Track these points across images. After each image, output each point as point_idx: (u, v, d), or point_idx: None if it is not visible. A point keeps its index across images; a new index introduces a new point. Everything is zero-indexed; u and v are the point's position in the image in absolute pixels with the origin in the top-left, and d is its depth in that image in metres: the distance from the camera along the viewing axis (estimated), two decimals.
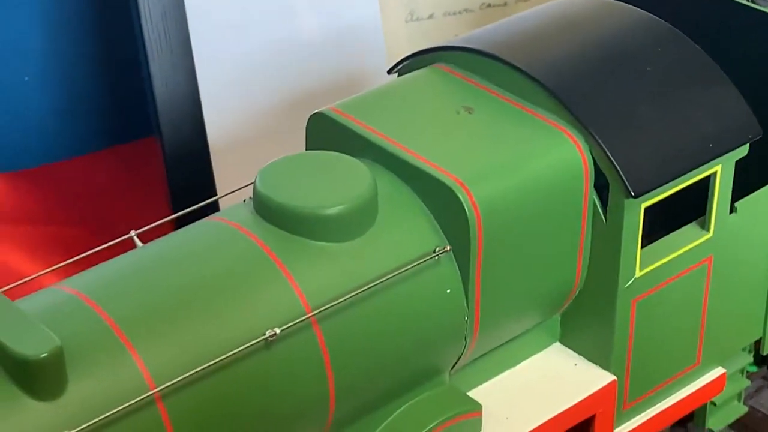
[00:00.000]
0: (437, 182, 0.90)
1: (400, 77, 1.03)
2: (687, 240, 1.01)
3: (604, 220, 0.96)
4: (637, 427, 1.04)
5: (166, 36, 1.31)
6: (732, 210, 1.02)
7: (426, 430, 0.92)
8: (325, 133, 0.96)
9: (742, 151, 1.00)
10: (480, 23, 1.42)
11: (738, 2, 1.12)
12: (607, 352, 1.00)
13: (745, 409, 1.15)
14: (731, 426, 1.16)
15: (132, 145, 1.57)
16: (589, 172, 0.95)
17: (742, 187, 1.02)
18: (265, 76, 1.35)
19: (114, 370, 0.79)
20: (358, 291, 0.86)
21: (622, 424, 1.03)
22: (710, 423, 1.13)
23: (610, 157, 0.94)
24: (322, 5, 1.36)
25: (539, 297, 0.97)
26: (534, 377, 1.00)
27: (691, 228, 1.02)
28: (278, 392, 0.85)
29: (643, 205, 0.96)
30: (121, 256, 0.88)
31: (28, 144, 1.55)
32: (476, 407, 0.95)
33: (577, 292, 0.99)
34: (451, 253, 0.91)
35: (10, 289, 0.85)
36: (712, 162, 0.98)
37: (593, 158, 0.95)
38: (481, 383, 0.99)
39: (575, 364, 1.02)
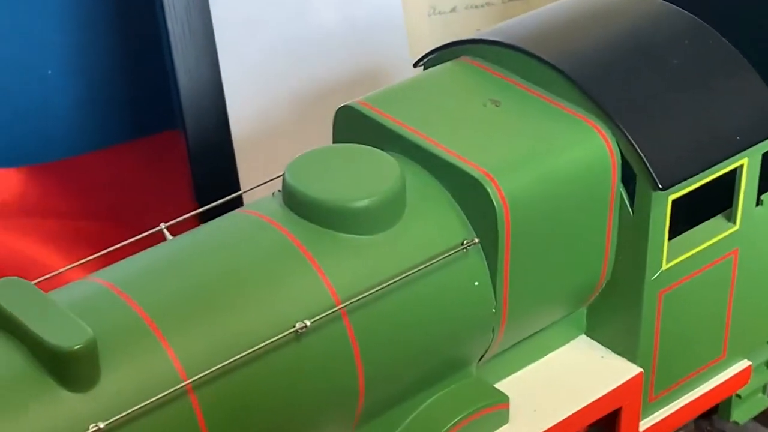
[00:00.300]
0: (465, 174, 0.91)
1: (427, 70, 1.03)
2: (713, 232, 1.01)
3: (631, 212, 0.97)
4: (663, 419, 1.05)
5: (189, 29, 1.31)
6: (758, 203, 1.03)
7: (453, 422, 0.93)
8: (353, 126, 0.97)
9: None
10: (502, 17, 1.42)
11: None
12: (633, 344, 1.00)
13: None
14: (756, 419, 1.16)
15: (154, 138, 1.57)
16: (616, 164, 0.95)
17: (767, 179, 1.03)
18: (287, 69, 1.36)
19: (146, 362, 0.80)
20: (387, 283, 0.87)
21: (648, 416, 1.04)
22: (735, 415, 1.13)
23: (638, 149, 0.94)
24: (346, 1, 1.36)
25: (566, 289, 0.98)
26: (560, 370, 1.01)
27: (717, 220, 1.02)
28: (308, 384, 0.85)
29: (671, 198, 0.96)
30: (151, 249, 0.88)
31: (52, 137, 1.55)
32: (503, 399, 0.95)
33: (603, 285, 1.00)
34: (479, 245, 0.91)
35: (39, 282, 0.85)
36: (739, 154, 0.98)
37: (620, 150, 0.95)
38: (507, 375, 1.00)
39: (602, 357, 1.02)
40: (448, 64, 1.02)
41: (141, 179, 1.52)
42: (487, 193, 0.89)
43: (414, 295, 0.89)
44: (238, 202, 0.99)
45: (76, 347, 0.77)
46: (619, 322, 1.01)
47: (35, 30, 1.51)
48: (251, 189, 0.97)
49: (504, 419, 0.95)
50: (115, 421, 0.77)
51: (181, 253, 0.87)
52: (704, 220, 1.02)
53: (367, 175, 0.90)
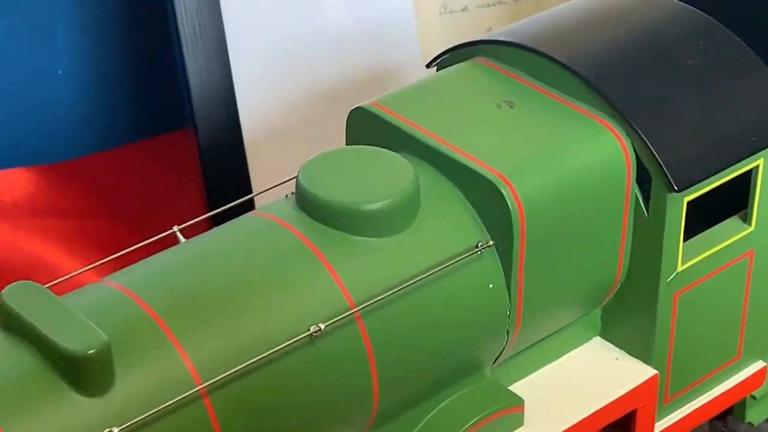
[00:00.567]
0: (479, 176, 0.90)
1: (440, 71, 1.03)
2: (729, 234, 1.01)
3: (646, 214, 0.96)
4: (678, 421, 1.04)
5: (201, 30, 1.31)
6: None
7: (468, 425, 0.92)
8: (366, 127, 0.97)
9: None
10: (514, 16, 1.42)
11: None
12: (648, 346, 1.00)
13: None
14: None
15: (165, 138, 1.57)
16: (631, 165, 0.95)
17: None
18: (298, 69, 1.35)
19: (160, 366, 0.80)
20: (401, 286, 0.87)
21: (664, 417, 1.04)
22: (750, 416, 1.13)
23: (653, 150, 0.94)
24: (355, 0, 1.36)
25: (581, 291, 0.97)
26: (575, 371, 1.01)
27: (732, 222, 1.02)
28: (322, 387, 0.85)
29: (686, 199, 0.96)
30: (164, 252, 0.88)
31: (62, 137, 1.55)
32: (518, 402, 0.95)
33: (618, 286, 0.99)
34: (494, 247, 0.91)
35: (52, 285, 0.85)
36: (754, 155, 0.98)
37: (635, 152, 0.95)
38: (522, 378, 0.99)
39: (616, 359, 1.02)
40: (462, 64, 1.02)
41: (151, 179, 1.52)
42: (502, 196, 0.89)
43: (428, 298, 0.89)
44: (249, 204, 0.99)
45: (91, 352, 0.76)
46: (634, 323, 1.01)
47: (45, 30, 1.51)
48: (264, 191, 0.97)
49: (519, 422, 0.95)
50: (129, 425, 0.77)
51: (195, 256, 0.87)
52: (719, 221, 1.01)
53: (380, 177, 0.90)
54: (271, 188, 0.97)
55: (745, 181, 1.00)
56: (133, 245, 0.92)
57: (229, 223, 0.90)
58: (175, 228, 0.91)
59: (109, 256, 0.91)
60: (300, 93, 1.35)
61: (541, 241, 0.92)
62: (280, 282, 0.85)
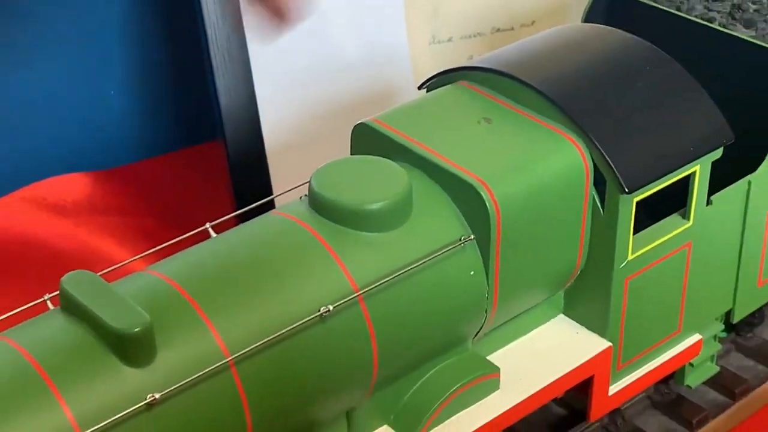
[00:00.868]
0: (462, 181, 0.89)
1: (429, 93, 1.02)
2: (671, 228, 0.99)
3: (601, 212, 0.95)
4: (628, 385, 1.03)
5: (229, 56, 1.30)
6: (708, 202, 1.01)
7: (453, 389, 0.91)
8: (368, 140, 0.95)
9: (717, 153, 0.99)
10: (491, 45, 1.41)
11: (713, 27, 1.10)
12: (603, 322, 0.99)
13: (718, 369, 1.14)
14: (705, 383, 1.14)
15: (200, 148, 1.57)
16: (589, 171, 0.94)
17: (716, 183, 1.01)
18: (311, 90, 1.35)
19: (194, 342, 0.79)
20: (397, 273, 0.86)
21: (616, 382, 1.02)
22: (688, 380, 1.12)
23: (607, 159, 0.93)
24: (359, 31, 1.35)
25: (547, 277, 0.96)
26: (542, 344, 0.99)
27: (674, 218, 1.00)
28: (331, 359, 0.84)
29: (635, 200, 0.95)
30: (197, 245, 0.87)
31: (114, 147, 1.55)
32: (495, 370, 0.94)
33: (578, 273, 0.98)
34: (474, 241, 0.90)
35: (105, 273, 0.84)
36: (692, 163, 0.97)
37: (593, 160, 0.94)
38: (498, 349, 0.98)
39: (577, 333, 1.00)
40: (448, 87, 1.00)
41: (188, 182, 1.52)
42: (482, 198, 0.88)
43: (420, 283, 0.87)
44: (270, 204, 0.98)
45: (136, 330, 0.76)
46: (592, 303, 0.99)
47: (100, 58, 1.51)
48: (282, 193, 0.96)
49: (495, 386, 0.94)
50: (168, 392, 0.76)
51: (223, 248, 0.86)
52: (663, 218, 1.00)
53: (379, 182, 0.88)
54: (289, 191, 0.95)
55: (685, 184, 0.99)
56: (174, 238, 0.91)
57: (252, 220, 0.89)
58: (208, 225, 0.90)
59: (153, 248, 0.91)
60: (313, 110, 1.35)
61: (514, 236, 0.91)
62: (295, 270, 0.84)
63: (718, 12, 1.13)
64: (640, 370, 1.04)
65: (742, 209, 1.04)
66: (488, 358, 0.96)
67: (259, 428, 0.81)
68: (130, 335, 0.75)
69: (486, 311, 0.92)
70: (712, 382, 1.15)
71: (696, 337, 1.07)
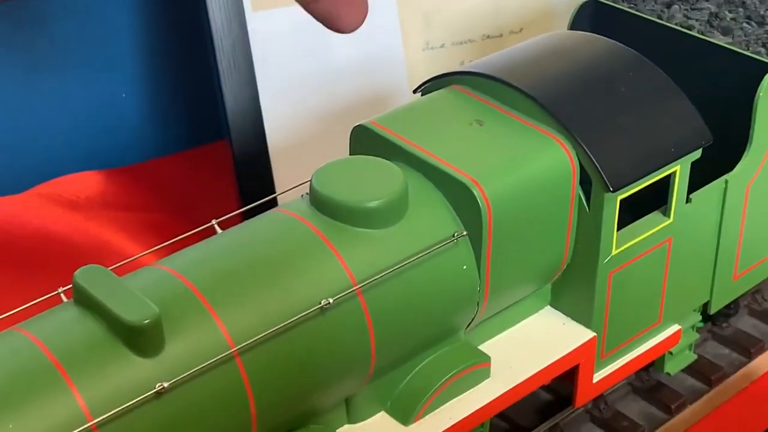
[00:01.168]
0: (455, 180, 0.88)
1: (424, 96, 1.00)
2: (653, 225, 0.98)
3: (587, 209, 0.94)
4: (612, 372, 1.02)
5: (235, 63, 1.29)
6: (688, 200, 1.00)
7: (446, 377, 0.90)
8: (366, 141, 0.94)
9: (697, 154, 0.97)
10: (481, 51, 1.40)
11: (692, 35, 1.09)
12: (588, 313, 0.97)
13: (695, 356, 1.13)
14: (683, 370, 1.13)
15: (207, 147, 1.56)
16: (576, 171, 0.92)
17: (695, 182, 1.00)
18: (313, 94, 1.33)
19: (201, 333, 0.77)
20: (394, 268, 0.84)
21: (600, 370, 1.01)
22: (667, 368, 1.11)
23: (593, 159, 0.92)
24: (356, 38, 1.34)
25: (535, 270, 0.95)
26: (531, 334, 0.98)
27: (655, 215, 0.99)
28: (331, 349, 0.82)
29: (619, 198, 0.93)
30: (204, 241, 0.85)
31: (126, 146, 1.54)
32: (486, 359, 0.92)
33: (565, 267, 0.97)
34: (467, 237, 0.88)
35: (117, 267, 0.82)
36: (673, 163, 0.96)
37: (579, 160, 0.92)
38: (489, 339, 0.97)
39: (563, 324, 0.99)
40: (441, 91, 0.99)
41: (196, 180, 1.50)
42: (474, 196, 0.87)
43: (415, 277, 0.86)
44: (273, 202, 0.96)
45: (145, 322, 0.74)
46: (578, 296, 0.98)
47: (113, 63, 1.50)
48: (285, 191, 0.95)
49: (486, 374, 0.93)
50: (176, 381, 0.74)
51: (229, 244, 0.84)
52: (645, 215, 0.99)
53: (377, 181, 0.87)
54: (291, 189, 0.94)
55: (665, 183, 0.97)
56: (182, 234, 0.89)
57: (256, 217, 0.88)
58: (214, 221, 0.89)
59: (163, 242, 0.89)
60: (313, 113, 1.33)
61: (504, 232, 0.89)
62: (297, 265, 0.82)
63: (697, 20, 1.11)
64: (623, 358, 1.03)
65: (719, 207, 1.03)
66: (480, 347, 0.95)
67: (262, 415, 0.79)
68: (139, 327, 0.74)
69: (478, 303, 0.91)
70: (690, 370, 1.14)
71: (675, 328, 1.06)
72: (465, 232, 0.88)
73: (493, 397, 0.92)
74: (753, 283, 1.13)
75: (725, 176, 1.02)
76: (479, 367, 0.92)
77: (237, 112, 1.31)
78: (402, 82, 1.37)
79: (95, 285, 0.77)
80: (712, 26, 1.11)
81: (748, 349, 1.17)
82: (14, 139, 1.48)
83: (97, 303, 0.76)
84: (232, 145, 1.31)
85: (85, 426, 0.71)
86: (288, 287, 0.81)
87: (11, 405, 0.71)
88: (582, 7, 1.15)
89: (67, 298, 0.80)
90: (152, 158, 1.54)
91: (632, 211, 0.99)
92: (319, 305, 0.80)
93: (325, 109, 1.34)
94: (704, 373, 1.14)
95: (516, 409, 0.99)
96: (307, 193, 0.88)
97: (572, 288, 0.98)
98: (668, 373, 1.11)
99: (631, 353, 1.03)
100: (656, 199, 0.99)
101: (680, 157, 0.96)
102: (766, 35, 1.09)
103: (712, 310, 1.10)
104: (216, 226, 0.88)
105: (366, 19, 0.82)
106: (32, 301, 0.81)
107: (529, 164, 0.91)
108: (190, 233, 0.88)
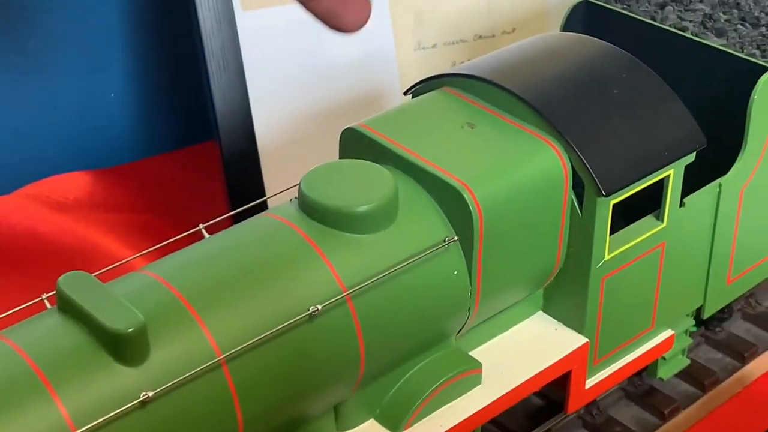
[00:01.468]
0: (446, 184, 0.87)
1: (415, 98, 0.99)
2: (646, 229, 0.97)
3: (580, 214, 0.93)
4: (604, 378, 1.01)
5: (224, 63, 1.28)
6: (681, 204, 0.99)
7: (437, 384, 0.89)
8: (355, 144, 0.93)
9: (690, 157, 0.96)
10: (473, 51, 1.39)
11: (686, 36, 1.08)
12: (581, 319, 0.96)
13: (688, 361, 1.11)
14: (676, 375, 1.12)
15: (195, 147, 1.54)
16: (568, 175, 0.91)
17: (689, 186, 0.98)
18: (303, 94, 1.32)
19: (187, 341, 0.76)
20: (383, 274, 0.83)
21: (593, 376, 1.00)
22: (660, 373, 1.10)
23: (586, 163, 0.91)
24: (347, 39, 1.32)
25: (527, 275, 0.94)
26: (522, 340, 0.97)
27: (649, 219, 0.98)
28: (319, 356, 0.81)
29: (612, 202, 0.92)
30: (190, 246, 0.84)
31: (114, 146, 1.52)
32: (477, 365, 0.91)
33: (557, 272, 0.96)
34: (458, 242, 0.87)
35: (100, 273, 0.81)
36: (666, 167, 0.94)
37: (571, 164, 0.91)
38: (480, 345, 0.95)
39: (555, 329, 0.98)
40: (432, 93, 0.98)
41: (185, 180, 1.49)
42: (465, 200, 0.86)
43: (405, 283, 0.85)
44: (263, 205, 0.95)
45: (130, 330, 0.73)
46: (570, 301, 0.97)
47: (101, 62, 1.48)
48: (275, 195, 0.94)
49: (477, 381, 0.92)
50: (161, 390, 0.73)
51: (215, 249, 0.83)
52: (638, 219, 0.98)
53: (366, 185, 0.85)
54: (281, 192, 0.93)
55: (659, 187, 0.96)
56: (171, 236, 0.87)
57: (244, 222, 0.86)
58: (201, 226, 0.87)
59: (151, 244, 0.88)
60: (304, 113, 1.32)
61: (495, 237, 0.88)
62: (285, 271, 0.81)
63: (691, 21, 1.10)
64: (616, 364, 1.02)
65: (713, 211, 1.02)
66: (471, 353, 0.93)
67: (249, 424, 0.78)
68: (124, 335, 0.73)
69: (469, 309, 0.89)
70: (683, 375, 1.13)
71: (668, 333, 1.05)
72: (456, 237, 0.87)
73: (485, 404, 0.91)
74: (747, 287, 1.12)
75: (719, 180, 1.01)
76: (470, 373, 0.91)
77: (226, 113, 1.29)
78: (393, 83, 1.36)
79: (79, 292, 0.75)
80: (706, 28, 1.10)
81: (741, 353, 1.16)
82: (2, 139, 1.46)
83: (80, 310, 0.74)
84: (221, 145, 1.30)
85: None
86: (276, 294, 0.80)
87: None
88: (575, 7, 1.14)
89: (51, 304, 0.79)
90: (141, 158, 1.53)
91: (625, 214, 0.98)
92: (308, 312, 0.79)
93: (316, 110, 1.32)
94: (697, 378, 1.13)
95: (507, 414, 0.97)
96: (295, 198, 0.87)
97: (564, 293, 0.97)
98: (661, 378, 1.10)
99: (623, 359, 1.02)
100: (649, 202, 0.98)
101: (674, 161, 0.95)
102: (760, 37, 1.08)
103: (706, 315, 1.09)
104: (203, 231, 0.87)
105: (370, 18, 0.80)
106: (16, 307, 0.80)
107: (521, 168, 0.90)
108: (178, 237, 0.87)
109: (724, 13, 1.11)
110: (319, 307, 0.80)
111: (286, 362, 0.79)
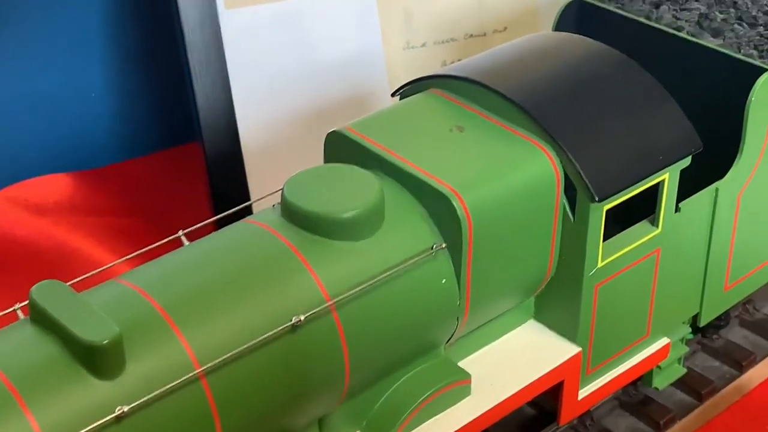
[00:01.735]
0: (434, 190, 0.85)
1: (402, 100, 0.98)
2: (640, 235, 0.96)
3: (572, 219, 0.92)
4: (598, 388, 1.00)
5: (207, 62, 1.27)
6: (677, 209, 0.98)
7: (425, 396, 0.88)
8: (340, 148, 0.91)
9: (686, 161, 0.95)
10: (464, 50, 1.38)
11: (681, 36, 1.07)
12: (574, 327, 0.95)
13: (685, 370, 1.10)
14: (672, 384, 1.11)
15: (178, 149, 1.53)
16: (560, 180, 0.90)
17: (684, 190, 0.97)
18: (288, 95, 1.31)
19: (164, 353, 0.75)
20: (369, 282, 0.82)
21: (586, 386, 0.99)
22: (656, 382, 1.09)
23: (578, 167, 0.89)
24: (335, 37, 1.31)
25: (518, 283, 0.92)
26: (513, 349, 0.96)
27: (643, 225, 0.97)
28: (303, 368, 0.80)
29: (605, 208, 0.91)
30: (169, 254, 0.83)
31: (95, 148, 1.51)
32: (466, 376, 0.90)
33: (549, 279, 0.94)
34: (446, 249, 0.86)
35: (75, 282, 0.79)
36: (661, 171, 0.93)
37: (563, 168, 0.90)
38: (469, 354, 0.94)
39: (547, 338, 0.97)
40: (420, 95, 0.96)
41: (168, 182, 1.48)
42: (453, 206, 0.84)
43: (392, 292, 0.83)
44: (248, 210, 0.94)
45: (105, 342, 0.71)
46: (562, 309, 0.96)
47: (81, 60, 1.47)
48: (259, 200, 0.93)
49: (467, 392, 0.90)
50: (137, 404, 0.72)
51: (195, 258, 0.82)
52: (632, 224, 0.97)
53: (352, 191, 0.84)
54: (266, 197, 0.91)
55: (653, 192, 0.95)
56: (153, 240, 0.86)
57: (224, 229, 0.85)
58: (180, 232, 0.86)
59: (132, 248, 0.87)
60: (289, 115, 1.31)
61: (485, 244, 0.87)
62: (267, 280, 0.80)
63: (687, 21, 1.09)
64: (609, 374, 1.00)
65: (709, 216, 1.01)
66: (460, 363, 0.92)
67: None
68: (98, 347, 0.71)
69: (457, 318, 0.88)
70: (679, 384, 1.12)
71: (664, 341, 1.04)
72: (444, 244, 0.86)
73: (474, 417, 0.89)
74: (744, 293, 1.11)
75: (715, 184, 1.00)
76: (459, 384, 0.90)
77: (209, 113, 1.28)
78: (381, 83, 1.35)
79: (52, 302, 0.74)
80: (702, 27, 1.08)
81: (739, 361, 1.15)
82: None
83: (53, 321, 0.73)
84: (205, 146, 1.29)
85: None
86: (257, 304, 0.78)
87: None
88: (567, 6, 1.12)
89: (24, 314, 0.78)
90: (123, 160, 1.51)
91: (619, 220, 0.97)
92: (290, 322, 0.78)
93: (302, 110, 1.31)
94: (694, 386, 1.12)
95: (498, 425, 0.96)
96: (278, 203, 0.86)
97: (557, 301, 0.96)
98: (656, 388, 1.09)
99: (618, 368, 1.01)
100: (644, 207, 0.97)
101: (669, 165, 0.94)
102: (758, 37, 1.07)
103: (702, 323, 1.08)
104: (183, 238, 0.86)
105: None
106: None
107: (511, 173, 0.88)
108: (159, 243, 0.86)
109: (720, 13, 1.10)
110: (302, 318, 0.78)
111: (267, 375, 0.78)
